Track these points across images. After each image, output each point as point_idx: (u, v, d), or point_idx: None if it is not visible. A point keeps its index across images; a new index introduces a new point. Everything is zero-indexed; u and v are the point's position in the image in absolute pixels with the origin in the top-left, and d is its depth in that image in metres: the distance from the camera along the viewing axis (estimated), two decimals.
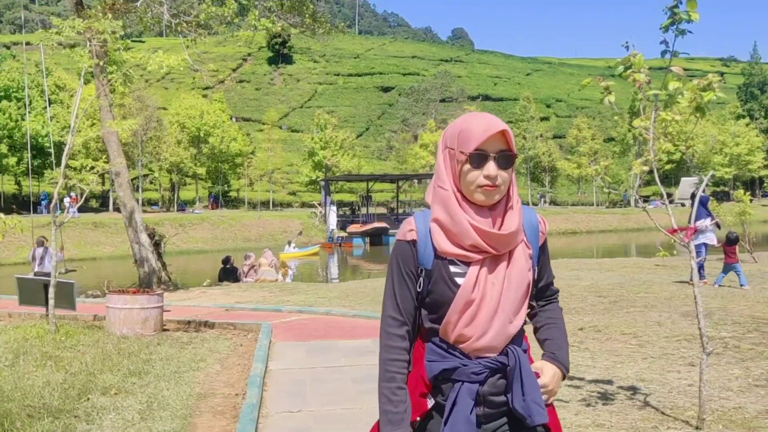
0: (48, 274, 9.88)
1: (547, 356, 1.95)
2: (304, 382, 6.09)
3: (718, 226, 12.03)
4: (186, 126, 51.65)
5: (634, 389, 5.18)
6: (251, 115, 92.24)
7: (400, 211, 51.13)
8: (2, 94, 43.88)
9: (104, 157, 13.80)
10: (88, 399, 5.31)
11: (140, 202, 28.91)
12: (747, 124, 71.82)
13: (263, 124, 75.37)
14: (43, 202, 42.76)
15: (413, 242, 1.87)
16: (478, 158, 1.78)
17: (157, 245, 16.43)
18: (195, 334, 8.48)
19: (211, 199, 57.56)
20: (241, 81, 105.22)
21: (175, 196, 53.82)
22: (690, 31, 4.24)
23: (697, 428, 4.21)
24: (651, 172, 4.53)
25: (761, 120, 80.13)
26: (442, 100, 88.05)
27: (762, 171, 71.09)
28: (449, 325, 1.82)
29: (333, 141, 56.88)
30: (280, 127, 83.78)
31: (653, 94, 4.28)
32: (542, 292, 2.02)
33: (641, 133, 4.48)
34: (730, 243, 10.95)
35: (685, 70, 4.31)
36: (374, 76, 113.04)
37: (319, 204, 46.82)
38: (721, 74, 6.17)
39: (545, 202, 69.96)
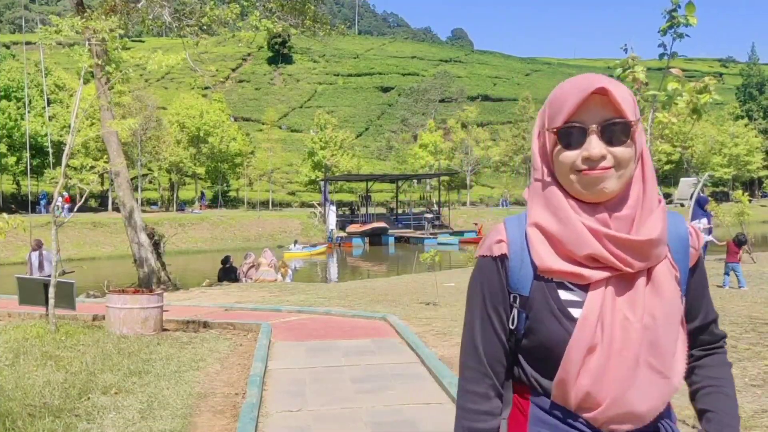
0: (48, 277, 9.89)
1: None
2: (304, 382, 6.11)
3: (709, 231, 12.08)
4: (185, 126, 51.63)
5: None
6: (251, 114, 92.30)
7: (400, 211, 51.17)
8: (2, 93, 43.86)
9: (104, 156, 13.84)
10: (89, 398, 5.34)
11: (139, 201, 28.90)
12: (746, 125, 72.05)
13: (263, 123, 75.41)
14: (42, 202, 42.74)
15: (503, 258, 1.32)
16: (568, 134, 1.24)
17: (156, 245, 16.45)
18: (195, 333, 8.50)
19: (202, 200, 53.59)
20: (240, 81, 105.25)
21: (175, 196, 53.77)
22: (688, 35, 4.27)
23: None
24: None
25: (760, 121, 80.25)
26: (442, 101, 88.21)
27: (761, 171, 71.39)
28: (566, 384, 1.24)
29: (332, 141, 56.92)
30: (280, 127, 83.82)
31: (651, 95, 4.31)
32: (698, 337, 1.39)
33: None
34: (738, 244, 11.00)
35: (683, 71, 4.35)
36: (374, 76, 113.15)
37: (319, 204, 46.82)
38: (720, 75, 6.21)
39: None
